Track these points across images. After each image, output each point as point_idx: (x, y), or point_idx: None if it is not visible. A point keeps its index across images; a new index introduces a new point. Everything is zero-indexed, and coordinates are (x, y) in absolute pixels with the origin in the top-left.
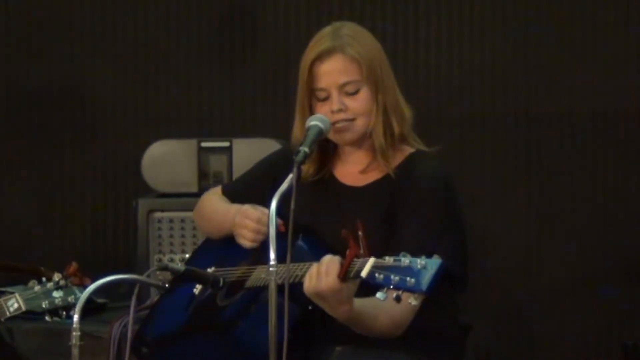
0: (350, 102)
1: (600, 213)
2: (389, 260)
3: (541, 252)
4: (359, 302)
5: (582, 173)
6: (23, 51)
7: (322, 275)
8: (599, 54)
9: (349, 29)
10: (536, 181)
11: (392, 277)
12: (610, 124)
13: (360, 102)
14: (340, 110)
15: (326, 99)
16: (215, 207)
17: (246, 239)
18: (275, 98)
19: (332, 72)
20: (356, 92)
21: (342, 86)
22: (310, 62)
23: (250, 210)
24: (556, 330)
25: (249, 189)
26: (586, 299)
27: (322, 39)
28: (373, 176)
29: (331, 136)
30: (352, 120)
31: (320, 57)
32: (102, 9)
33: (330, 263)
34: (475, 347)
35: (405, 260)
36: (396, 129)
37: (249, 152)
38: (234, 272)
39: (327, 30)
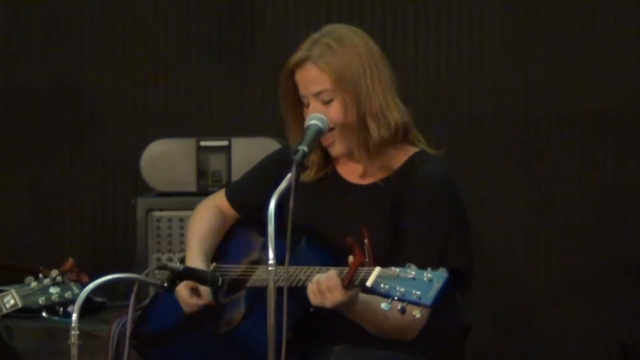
0: (326, 110)
1: (600, 213)
2: (394, 270)
3: (541, 253)
4: (368, 298)
5: (581, 174)
6: (21, 51)
7: (325, 292)
8: (598, 54)
9: (331, 37)
10: (535, 182)
11: (397, 288)
12: (610, 125)
13: (334, 111)
14: None
15: (309, 105)
16: (189, 239)
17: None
18: (274, 97)
19: (306, 81)
20: (330, 100)
21: (317, 95)
22: (289, 70)
23: (182, 290)
24: (555, 331)
25: (251, 190)
26: (585, 300)
27: (302, 47)
28: (377, 175)
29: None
30: (333, 130)
31: (296, 66)
32: (100, 8)
33: (329, 279)
34: (475, 347)
35: (411, 271)
36: (375, 135)
37: (247, 151)
38: (236, 270)
39: (312, 37)
